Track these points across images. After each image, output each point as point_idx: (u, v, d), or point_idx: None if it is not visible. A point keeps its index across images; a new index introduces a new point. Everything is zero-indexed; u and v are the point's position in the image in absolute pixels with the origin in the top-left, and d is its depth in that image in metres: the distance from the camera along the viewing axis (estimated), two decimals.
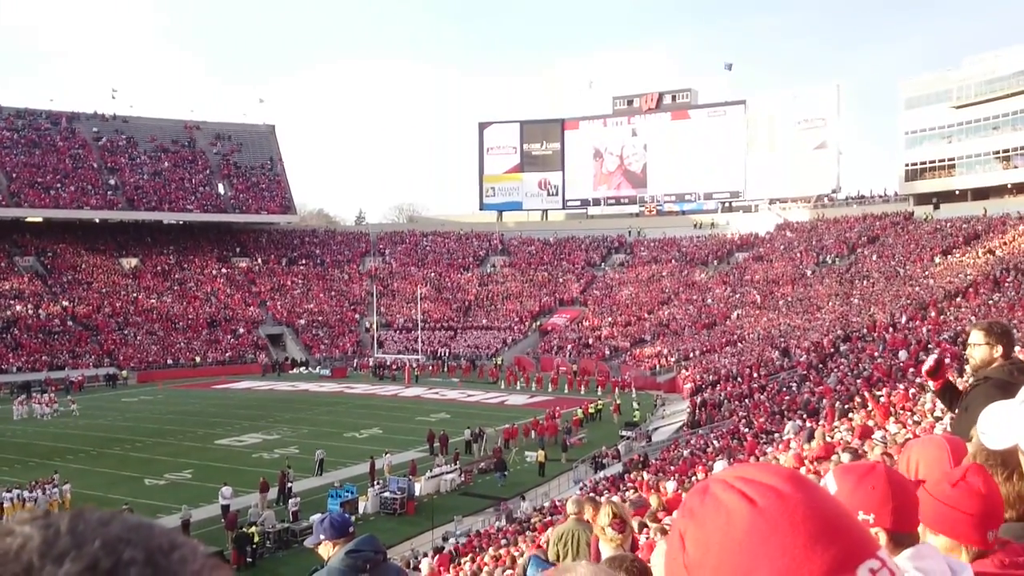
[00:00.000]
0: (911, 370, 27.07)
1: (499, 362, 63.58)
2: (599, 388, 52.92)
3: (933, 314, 40.40)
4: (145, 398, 52.78)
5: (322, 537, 4.62)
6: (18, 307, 65.17)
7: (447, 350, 69.43)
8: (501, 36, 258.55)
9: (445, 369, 63.83)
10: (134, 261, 77.55)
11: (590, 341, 65.77)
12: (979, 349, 4.27)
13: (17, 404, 47.17)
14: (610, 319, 69.30)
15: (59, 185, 75.86)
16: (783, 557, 0.90)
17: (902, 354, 32.58)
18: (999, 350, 4.20)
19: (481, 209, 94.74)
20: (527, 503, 28.82)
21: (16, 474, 31.28)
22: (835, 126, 79.18)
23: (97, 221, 77.91)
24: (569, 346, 65.47)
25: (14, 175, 74.53)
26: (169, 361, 65.02)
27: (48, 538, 0.58)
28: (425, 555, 20.72)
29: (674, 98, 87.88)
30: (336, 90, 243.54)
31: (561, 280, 79.85)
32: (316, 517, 5.10)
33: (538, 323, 72.40)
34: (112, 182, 79.54)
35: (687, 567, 0.97)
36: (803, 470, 12.03)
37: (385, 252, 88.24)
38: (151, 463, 33.65)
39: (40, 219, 74.83)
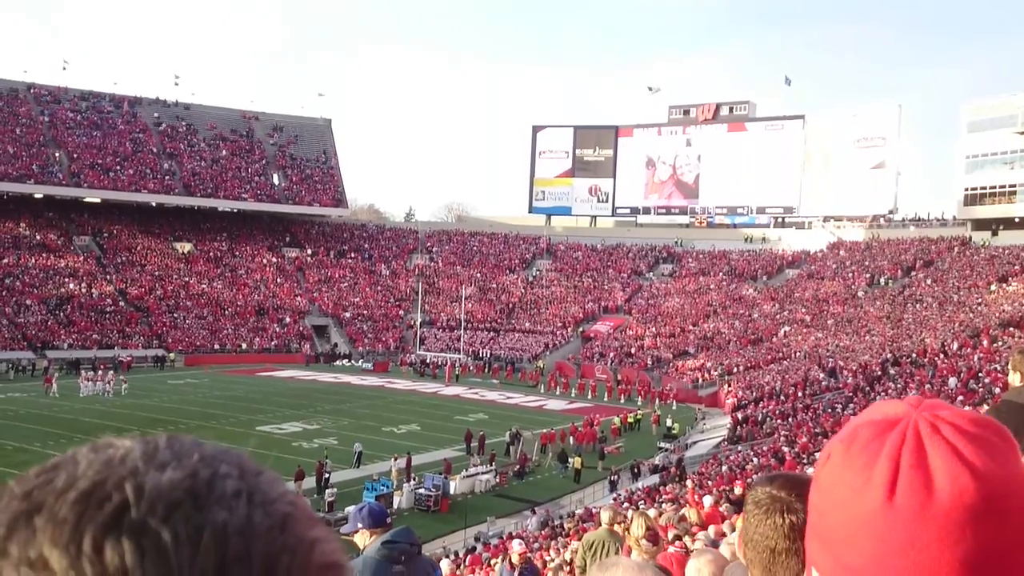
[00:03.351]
0: (960, 398, 26.54)
1: (540, 366, 63.52)
2: (639, 398, 52.64)
3: (986, 342, 39.61)
4: (191, 381, 53.59)
5: (359, 526, 4.64)
6: (72, 285, 66.54)
7: (488, 351, 69.54)
8: (557, 38, 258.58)
9: (488, 370, 63.85)
10: (187, 246, 78.82)
11: (632, 350, 65.30)
12: (1011, 373, 4.23)
13: (84, 380, 47.61)
14: (654, 329, 68.77)
15: (118, 167, 77.37)
16: (891, 558, 0.79)
17: (952, 381, 32.01)
18: (1017, 377, 4.13)
19: (530, 212, 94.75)
20: (547, 510, 28.73)
21: (60, 448, 31.79)
22: (894, 146, 77.79)
23: (153, 205, 79.32)
24: (611, 354, 65.10)
25: (75, 155, 76.19)
26: (216, 346, 65.93)
27: (148, 451, 0.62)
28: (445, 556, 20.55)
29: (731, 110, 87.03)
30: (392, 88, 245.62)
31: (606, 287, 79.46)
32: (353, 507, 5.12)
33: (581, 329, 72.14)
34: (170, 167, 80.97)
35: (816, 479, 0.90)
36: None
37: (432, 250, 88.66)
38: None
39: (98, 200, 76.35)
